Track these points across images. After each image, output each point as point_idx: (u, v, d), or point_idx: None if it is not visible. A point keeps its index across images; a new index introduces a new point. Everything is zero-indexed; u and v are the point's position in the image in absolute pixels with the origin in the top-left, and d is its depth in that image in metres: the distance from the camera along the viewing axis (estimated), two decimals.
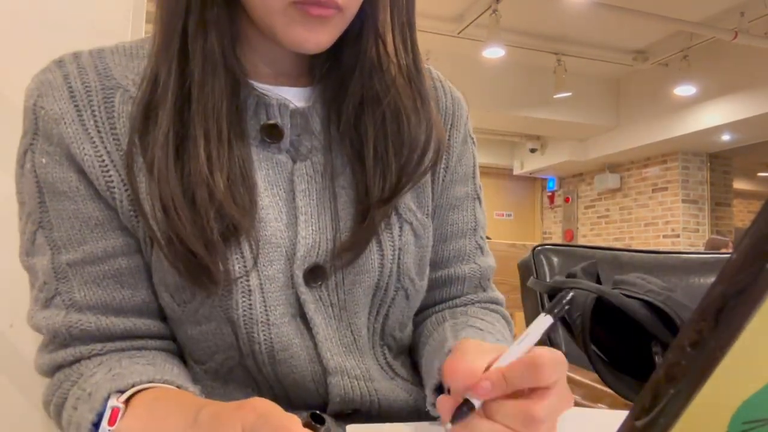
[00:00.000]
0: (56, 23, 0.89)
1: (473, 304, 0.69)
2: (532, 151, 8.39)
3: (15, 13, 0.88)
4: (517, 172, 9.03)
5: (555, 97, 6.03)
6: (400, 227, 0.60)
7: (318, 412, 0.53)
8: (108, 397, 0.47)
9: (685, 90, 5.91)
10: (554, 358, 0.44)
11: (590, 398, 0.82)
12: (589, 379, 0.83)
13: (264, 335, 0.55)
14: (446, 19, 5.27)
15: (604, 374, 0.78)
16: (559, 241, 9.15)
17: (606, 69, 6.47)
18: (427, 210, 0.63)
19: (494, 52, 5.05)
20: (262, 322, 0.55)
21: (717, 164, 7.29)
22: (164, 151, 0.50)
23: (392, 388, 0.62)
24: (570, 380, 0.86)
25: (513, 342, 0.57)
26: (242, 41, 0.56)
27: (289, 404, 0.59)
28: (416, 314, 0.69)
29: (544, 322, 0.47)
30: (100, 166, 0.53)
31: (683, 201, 7.03)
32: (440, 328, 0.63)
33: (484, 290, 0.71)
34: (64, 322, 0.54)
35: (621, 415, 0.22)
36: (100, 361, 0.54)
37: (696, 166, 7.16)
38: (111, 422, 0.46)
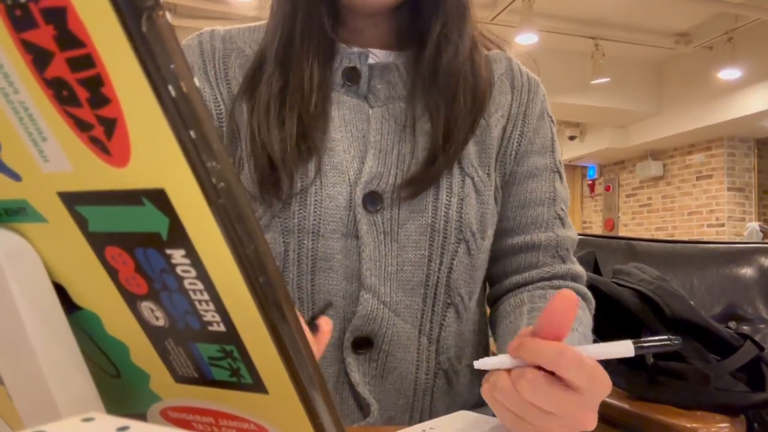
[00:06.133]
0: None
1: (551, 279, 0.69)
2: (571, 138, 8.23)
3: None
4: None
5: (592, 83, 5.89)
6: (462, 179, 0.66)
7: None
8: None
9: (730, 74, 5.69)
10: (589, 367, 0.42)
11: None
12: None
13: (312, 243, 0.63)
14: (478, 6, 5.20)
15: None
16: (599, 232, 8.94)
17: (647, 53, 6.28)
18: (488, 169, 0.68)
19: (527, 39, 4.95)
20: (313, 232, 0.63)
21: (765, 150, 7.01)
22: (268, 86, 0.65)
23: (409, 335, 0.64)
24: None
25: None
26: (341, 21, 0.69)
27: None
28: (494, 286, 0.71)
29: (624, 349, 0.43)
30: (213, 101, 0.69)
31: (729, 189, 6.79)
32: (518, 311, 0.64)
33: (563, 261, 0.70)
34: None
35: None
36: None
37: (742, 152, 6.90)
38: None
